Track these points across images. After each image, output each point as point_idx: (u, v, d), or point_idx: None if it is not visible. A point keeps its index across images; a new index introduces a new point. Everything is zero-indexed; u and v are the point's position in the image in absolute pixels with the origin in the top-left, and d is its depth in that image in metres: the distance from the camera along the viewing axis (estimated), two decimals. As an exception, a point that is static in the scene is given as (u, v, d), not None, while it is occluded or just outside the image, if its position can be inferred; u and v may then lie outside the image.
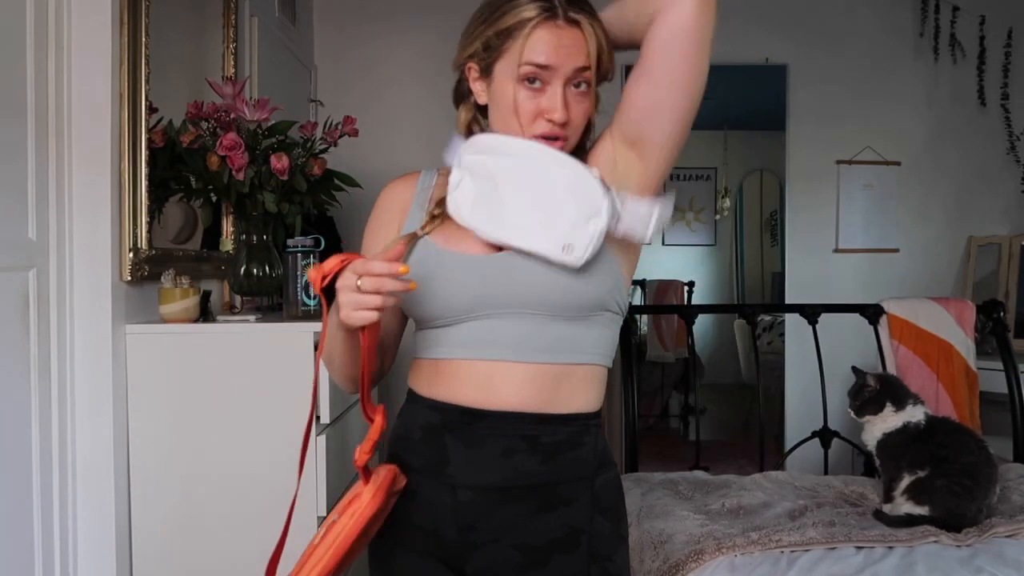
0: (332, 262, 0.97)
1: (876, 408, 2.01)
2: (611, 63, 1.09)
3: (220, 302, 2.24)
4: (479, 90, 1.13)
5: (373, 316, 0.94)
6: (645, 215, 1.04)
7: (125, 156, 1.72)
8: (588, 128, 1.14)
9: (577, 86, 1.07)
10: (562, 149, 1.08)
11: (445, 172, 1.17)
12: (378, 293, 0.93)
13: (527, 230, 1.04)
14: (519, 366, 1.06)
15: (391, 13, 3.35)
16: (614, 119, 1.11)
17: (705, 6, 1.00)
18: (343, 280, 0.95)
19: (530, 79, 1.05)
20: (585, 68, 1.05)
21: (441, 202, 1.12)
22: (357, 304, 0.94)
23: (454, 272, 1.07)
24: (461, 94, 1.17)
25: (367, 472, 1.00)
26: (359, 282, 0.93)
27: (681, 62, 1.02)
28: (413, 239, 1.11)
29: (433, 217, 1.12)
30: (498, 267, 1.06)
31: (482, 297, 1.06)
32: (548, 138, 1.07)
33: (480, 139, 1.11)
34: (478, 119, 1.15)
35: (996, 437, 2.43)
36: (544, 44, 1.04)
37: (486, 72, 1.10)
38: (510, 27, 1.05)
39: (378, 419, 1.01)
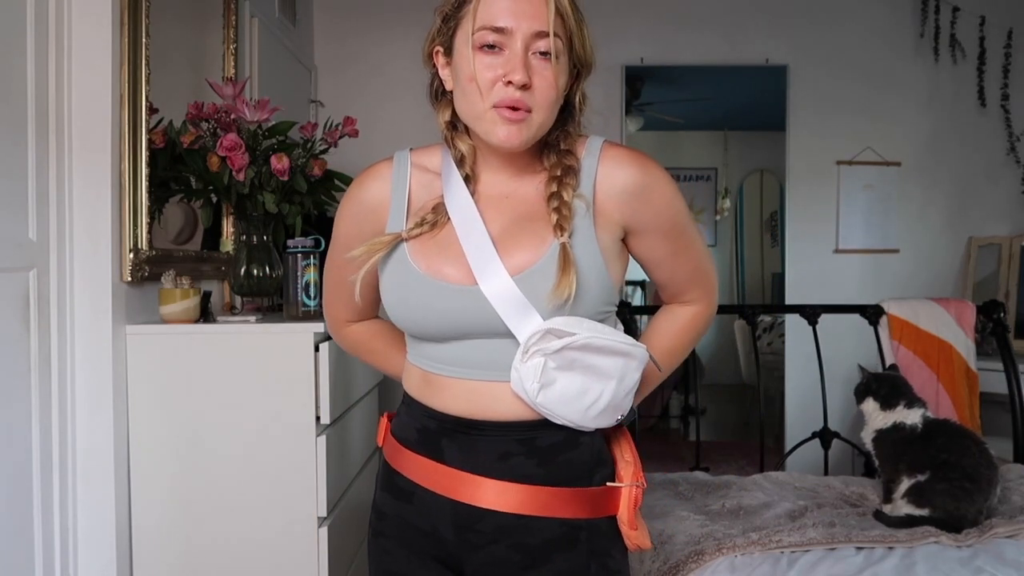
0: None
1: (859, 399, 2.09)
2: (583, 43, 1.01)
3: (220, 303, 2.24)
4: (447, 76, 1.05)
5: None
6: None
7: (125, 156, 1.72)
8: (569, 119, 1.07)
9: (544, 55, 0.98)
10: (527, 125, 0.98)
11: (418, 162, 1.10)
12: None
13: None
14: (509, 385, 1.02)
15: (391, 13, 3.35)
16: (642, 229, 1.08)
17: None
18: None
19: (488, 46, 0.97)
20: (545, 33, 0.97)
21: (436, 208, 1.06)
22: None
23: (434, 300, 1.03)
24: (436, 92, 1.09)
25: None
26: None
27: None
28: (396, 239, 1.06)
29: (422, 222, 1.05)
30: (481, 298, 1.00)
31: (463, 325, 1.03)
32: (509, 108, 0.97)
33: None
34: (455, 122, 1.07)
35: (996, 438, 2.43)
36: (498, 6, 0.96)
37: (448, 51, 1.03)
38: None
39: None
